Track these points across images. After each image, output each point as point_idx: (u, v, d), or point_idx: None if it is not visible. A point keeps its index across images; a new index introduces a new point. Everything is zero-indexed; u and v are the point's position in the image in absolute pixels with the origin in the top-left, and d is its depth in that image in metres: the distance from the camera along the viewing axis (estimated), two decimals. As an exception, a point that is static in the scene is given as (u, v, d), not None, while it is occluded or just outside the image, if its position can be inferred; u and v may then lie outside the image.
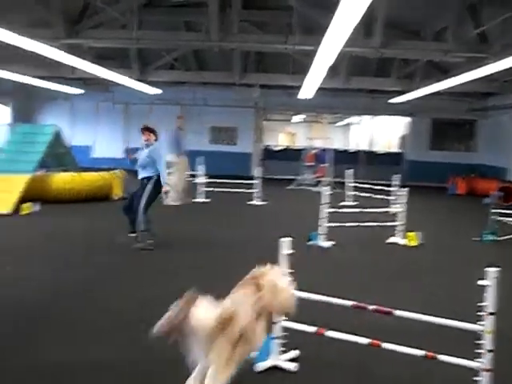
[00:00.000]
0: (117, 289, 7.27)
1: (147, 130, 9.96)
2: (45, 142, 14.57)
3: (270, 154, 26.15)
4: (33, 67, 20.02)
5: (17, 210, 12.57)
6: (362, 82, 20.42)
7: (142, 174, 9.76)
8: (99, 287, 7.31)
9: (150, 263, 8.73)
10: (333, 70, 16.16)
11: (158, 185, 9.65)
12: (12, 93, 25.57)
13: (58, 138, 15.40)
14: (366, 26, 13.06)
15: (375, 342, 4.75)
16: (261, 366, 4.93)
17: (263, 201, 15.90)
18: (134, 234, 9.71)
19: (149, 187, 9.60)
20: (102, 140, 26.76)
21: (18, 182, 13.21)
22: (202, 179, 16.21)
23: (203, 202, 15.70)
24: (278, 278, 4.28)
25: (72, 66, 18.53)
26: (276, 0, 15.68)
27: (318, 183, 20.55)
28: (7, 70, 19.36)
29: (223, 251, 9.69)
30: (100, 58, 18.63)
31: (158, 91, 23.03)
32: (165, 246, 9.82)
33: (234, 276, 4.39)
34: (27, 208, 12.70)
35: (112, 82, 20.38)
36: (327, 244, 10.34)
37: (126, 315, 6.24)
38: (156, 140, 9.91)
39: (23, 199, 12.93)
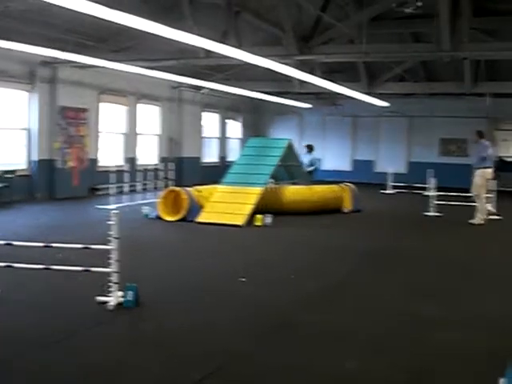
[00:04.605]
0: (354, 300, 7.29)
1: None
2: (278, 156, 15.01)
3: (504, 166, 24.67)
4: (263, 84, 20.99)
5: (249, 221, 13.08)
6: None
7: None
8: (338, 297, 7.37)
9: (399, 277, 8.64)
10: None
11: None
12: (243, 108, 27.02)
13: (290, 151, 15.82)
14: None
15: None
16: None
17: (496, 215, 15.01)
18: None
19: None
20: (330, 153, 27.21)
21: (251, 195, 13.79)
22: (432, 192, 15.72)
23: (435, 216, 15.18)
24: None
25: (301, 81, 19.12)
26: (507, 4, 14.83)
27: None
28: (240, 87, 20.50)
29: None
30: (328, 72, 18.96)
31: (386, 103, 22.94)
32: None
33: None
34: (259, 220, 13.20)
35: (340, 95, 20.67)
36: None
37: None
38: None
39: (256, 211, 13.43)
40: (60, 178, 17.38)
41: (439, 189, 15.65)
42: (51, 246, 7.14)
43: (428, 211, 15.36)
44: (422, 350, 5.61)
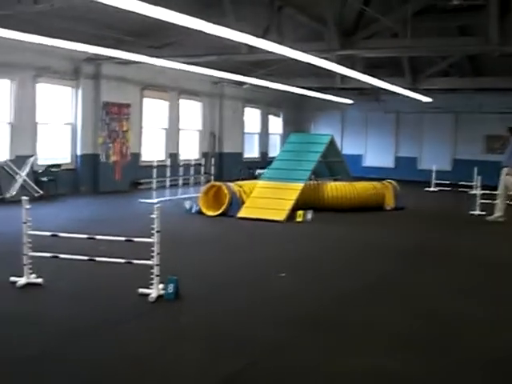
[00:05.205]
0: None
1: None
2: (319, 151, 14.95)
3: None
4: (305, 79, 20.90)
5: (290, 217, 13.03)
6: None
7: None
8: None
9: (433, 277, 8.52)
10: None
11: None
12: (284, 104, 26.99)
13: (332, 147, 15.72)
14: None
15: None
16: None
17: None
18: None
19: None
20: (373, 149, 27.01)
21: (292, 190, 13.74)
22: (477, 191, 15.38)
23: (479, 215, 14.83)
24: None
25: (343, 76, 18.97)
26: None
27: None
28: (281, 82, 20.47)
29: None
30: (371, 67, 18.75)
31: (429, 99, 22.63)
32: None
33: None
34: (300, 216, 13.14)
35: (383, 90, 20.45)
36: None
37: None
38: None
39: (296, 207, 13.38)
40: (103, 172, 17.61)
41: (484, 187, 15.32)
42: (94, 238, 7.26)
43: (473, 210, 15.04)
44: (462, 353, 5.49)
